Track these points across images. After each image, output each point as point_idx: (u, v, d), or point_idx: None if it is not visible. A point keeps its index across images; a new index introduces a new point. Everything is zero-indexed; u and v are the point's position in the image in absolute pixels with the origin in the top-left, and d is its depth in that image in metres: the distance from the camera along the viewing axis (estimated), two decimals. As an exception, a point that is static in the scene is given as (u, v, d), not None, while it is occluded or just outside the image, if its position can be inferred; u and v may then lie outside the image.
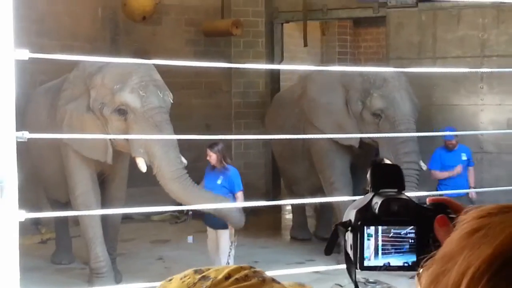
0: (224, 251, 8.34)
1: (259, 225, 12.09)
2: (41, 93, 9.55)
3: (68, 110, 8.43)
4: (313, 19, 15.93)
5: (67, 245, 10.16)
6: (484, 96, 13.34)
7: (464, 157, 10.17)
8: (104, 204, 8.82)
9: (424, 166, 9.48)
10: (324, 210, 11.35)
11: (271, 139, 11.94)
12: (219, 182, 8.29)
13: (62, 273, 9.67)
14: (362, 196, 1.52)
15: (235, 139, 14.66)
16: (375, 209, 1.45)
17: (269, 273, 1.16)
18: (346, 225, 1.48)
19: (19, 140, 2.81)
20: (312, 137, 9.64)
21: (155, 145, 7.94)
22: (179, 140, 8.23)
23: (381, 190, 1.51)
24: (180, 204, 7.91)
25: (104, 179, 9.10)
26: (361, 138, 9.41)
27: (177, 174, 7.95)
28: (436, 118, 12.56)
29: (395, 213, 1.45)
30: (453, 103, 13.26)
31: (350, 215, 1.48)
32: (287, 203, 11.16)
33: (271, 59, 15.15)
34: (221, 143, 8.45)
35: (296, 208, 11.70)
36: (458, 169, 10.04)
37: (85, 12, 12.91)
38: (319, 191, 10.25)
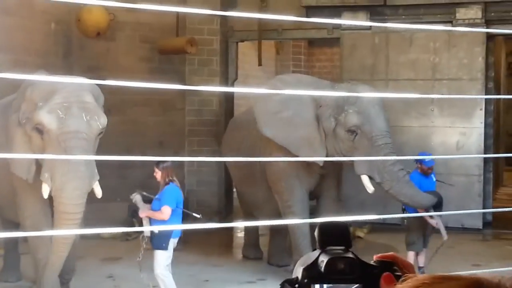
0: (157, 273, 8.24)
1: (210, 243, 12.06)
2: None
3: (11, 121, 8.10)
4: (267, 39, 16.03)
5: (15, 263, 9.95)
6: (434, 119, 13.57)
7: (434, 179, 10.13)
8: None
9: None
10: (276, 236, 10.92)
11: (227, 163, 11.67)
12: (157, 196, 8.26)
13: (10, 291, 9.52)
14: (310, 252, 1.55)
15: (188, 156, 14.65)
16: (321, 267, 1.48)
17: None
18: (293, 282, 1.50)
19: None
20: (270, 160, 9.32)
21: (57, 172, 7.47)
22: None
23: (328, 248, 1.53)
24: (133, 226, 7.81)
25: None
26: (326, 157, 9.07)
27: (68, 210, 7.55)
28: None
29: (341, 271, 1.48)
30: (404, 125, 13.44)
31: (297, 272, 1.51)
32: (242, 224, 10.94)
33: (225, 77, 15.19)
34: (169, 161, 8.39)
35: (249, 227, 11.42)
36: None
37: (38, 27, 12.79)
38: (281, 216, 9.82)
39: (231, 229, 13.80)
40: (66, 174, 7.45)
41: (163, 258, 8.23)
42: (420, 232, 9.72)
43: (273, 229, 10.95)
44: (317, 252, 1.53)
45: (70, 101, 7.57)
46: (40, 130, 7.60)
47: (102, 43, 13.82)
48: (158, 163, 8.27)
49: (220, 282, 10.07)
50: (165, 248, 8.18)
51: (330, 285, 1.48)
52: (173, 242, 8.27)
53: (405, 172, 9.13)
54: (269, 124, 9.54)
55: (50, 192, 7.61)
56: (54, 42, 13.30)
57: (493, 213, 13.84)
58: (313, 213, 10.13)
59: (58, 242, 7.93)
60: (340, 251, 1.53)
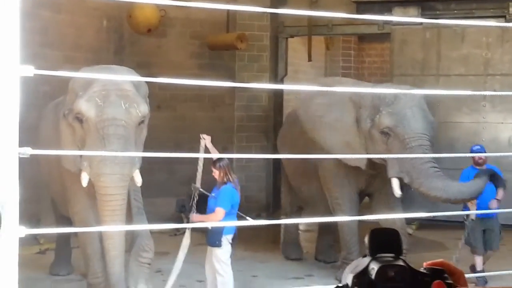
0: (217, 268, 8.23)
1: (258, 239, 12.08)
2: (51, 109, 9.23)
3: (60, 116, 8.10)
4: (317, 34, 15.98)
5: (66, 256, 10.11)
6: (486, 114, 13.37)
7: None
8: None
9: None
10: (324, 232, 10.92)
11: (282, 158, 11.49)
12: (213, 194, 8.20)
13: (60, 285, 9.65)
14: (360, 258, 1.53)
15: (236, 152, 14.67)
16: (372, 275, 1.46)
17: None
18: None
19: (21, 156, 2.81)
20: (317, 157, 9.24)
21: (95, 159, 7.43)
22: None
23: (378, 255, 1.51)
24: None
25: None
26: (369, 159, 8.96)
27: (109, 192, 7.48)
28: (439, 136, 12.54)
29: (392, 279, 1.46)
30: (455, 121, 13.27)
31: (347, 279, 1.49)
32: (294, 221, 10.74)
33: (275, 73, 15.19)
34: (225, 159, 8.28)
35: (288, 227, 11.15)
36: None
37: (89, 23, 12.95)
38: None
39: (278, 225, 13.80)
40: (104, 161, 7.39)
41: (219, 254, 8.19)
42: (480, 233, 9.42)
43: (322, 226, 10.91)
44: (367, 259, 1.52)
45: (109, 89, 7.51)
46: (80, 119, 7.57)
47: (153, 40, 13.93)
48: (215, 161, 8.12)
49: (268, 278, 10.09)
50: (219, 245, 8.13)
51: None
52: (226, 239, 8.17)
53: (438, 169, 8.60)
54: (315, 127, 9.55)
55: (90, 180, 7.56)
56: (105, 39, 13.46)
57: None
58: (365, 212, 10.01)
59: (107, 235, 7.89)
60: (391, 259, 1.52)
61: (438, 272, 1.47)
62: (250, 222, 7.76)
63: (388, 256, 1.53)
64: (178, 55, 14.40)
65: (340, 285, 1.53)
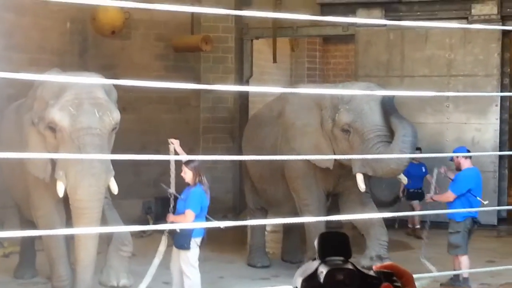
0: (185, 271, 8.21)
1: (225, 240, 12.06)
2: (12, 110, 9.18)
3: (25, 121, 8.06)
4: (282, 36, 16.03)
5: (31, 259, 10.02)
6: (450, 115, 13.52)
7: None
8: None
9: (405, 180, 9.21)
10: (290, 233, 10.90)
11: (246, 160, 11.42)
12: (182, 196, 8.14)
13: (25, 288, 9.59)
14: (310, 262, 1.55)
15: (202, 153, 14.65)
16: (320, 278, 1.48)
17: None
18: None
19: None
20: (284, 158, 9.26)
21: (71, 169, 7.41)
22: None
23: (327, 258, 1.53)
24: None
25: None
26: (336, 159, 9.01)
27: (85, 205, 7.50)
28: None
29: (341, 282, 1.48)
30: (419, 121, 13.37)
31: (297, 282, 1.51)
32: (256, 223, 10.69)
33: (240, 74, 15.21)
34: (197, 160, 8.23)
35: (256, 231, 11.00)
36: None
37: (53, 26, 12.85)
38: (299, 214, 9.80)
39: (245, 226, 13.80)
40: (81, 172, 7.40)
41: (187, 257, 8.17)
42: (466, 232, 9.33)
43: (287, 226, 10.91)
44: (316, 263, 1.53)
45: (81, 98, 7.51)
46: (52, 128, 7.56)
47: (117, 42, 13.86)
48: (187, 162, 8.05)
49: (235, 279, 10.11)
50: (187, 248, 8.10)
51: None
52: (195, 241, 8.16)
53: (386, 142, 8.65)
54: (289, 137, 9.64)
55: (65, 190, 7.58)
56: (69, 41, 13.37)
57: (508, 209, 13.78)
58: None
59: (81, 238, 7.83)
60: (340, 262, 1.53)
61: (387, 275, 1.49)
62: (220, 223, 7.77)
63: (337, 259, 1.54)
64: (142, 57, 14.35)
65: None
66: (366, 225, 9.43)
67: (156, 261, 8.39)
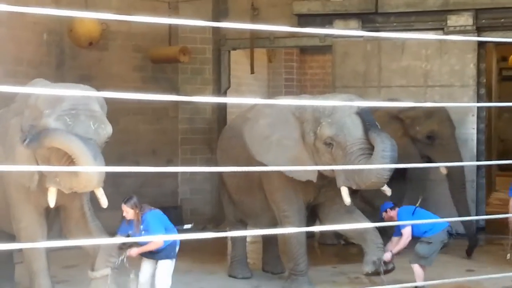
0: (160, 280, 8.19)
1: (205, 251, 12.05)
2: None
3: (11, 125, 7.95)
4: (260, 47, 16.07)
5: (9, 273, 9.90)
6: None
7: None
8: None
9: (389, 191, 8.94)
10: (270, 243, 10.82)
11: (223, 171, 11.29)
12: (142, 232, 8.04)
13: (4, 301, 9.49)
14: None
15: (181, 164, 14.63)
16: None
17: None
18: None
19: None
20: (264, 170, 9.01)
21: (66, 180, 7.38)
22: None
23: None
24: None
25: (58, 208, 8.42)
26: (319, 171, 8.99)
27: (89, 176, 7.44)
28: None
29: None
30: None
31: None
32: (237, 234, 10.58)
33: (218, 85, 15.24)
34: (134, 196, 8.27)
35: (237, 242, 10.92)
36: None
37: (30, 37, 12.77)
38: (277, 225, 9.78)
39: (225, 237, 13.78)
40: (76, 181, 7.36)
41: (170, 267, 8.24)
42: (439, 245, 9.32)
43: (267, 237, 10.88)
44: None
45: (78, 109, 7.47)
46: None
47: (94, 53, 13.81)
48: (126, 201, 8.14)
49: (216, 290, 10.09)
50: (174, 256, 8.22)
51: None
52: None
53: (367, 155, 8.60)
54: (260, 151, 9.43)
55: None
56: (46, 53, 13.28)
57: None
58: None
59: None
60: None
61: None
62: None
63: None
64: (120, 68, 14.31)
65: None
66: (359, 232, 9.40)
67: None
